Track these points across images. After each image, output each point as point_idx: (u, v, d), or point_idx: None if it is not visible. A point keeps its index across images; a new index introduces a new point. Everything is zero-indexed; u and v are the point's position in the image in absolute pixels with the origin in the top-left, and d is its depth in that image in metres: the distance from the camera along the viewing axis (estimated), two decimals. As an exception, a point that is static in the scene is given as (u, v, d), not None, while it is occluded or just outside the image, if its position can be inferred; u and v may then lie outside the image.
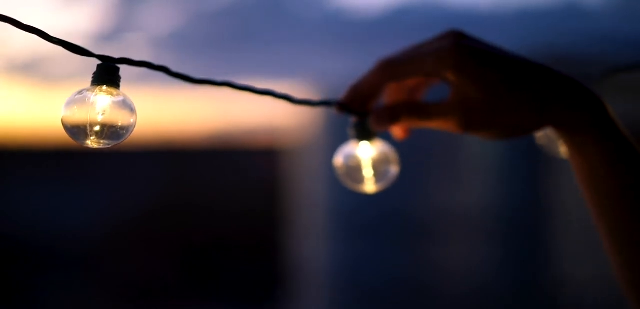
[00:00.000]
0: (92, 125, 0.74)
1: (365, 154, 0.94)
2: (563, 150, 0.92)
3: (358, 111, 0.93)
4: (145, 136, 7.43)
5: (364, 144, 0.94)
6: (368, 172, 0.95)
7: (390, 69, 0.90)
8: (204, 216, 7.39)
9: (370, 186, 0.95)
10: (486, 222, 4.97)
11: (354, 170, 0.95)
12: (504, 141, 0.88)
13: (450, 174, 5.03)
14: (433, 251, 4.91)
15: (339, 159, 0.95)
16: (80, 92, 0.75)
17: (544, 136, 1.03)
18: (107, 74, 0.76)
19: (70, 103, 0.75)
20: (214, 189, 7.53)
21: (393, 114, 0.91)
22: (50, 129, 7.50)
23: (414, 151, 4.91)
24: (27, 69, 7.02)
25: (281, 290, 5.92)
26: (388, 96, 0.95)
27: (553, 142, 1.06)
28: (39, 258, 6.96)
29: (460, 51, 0.85)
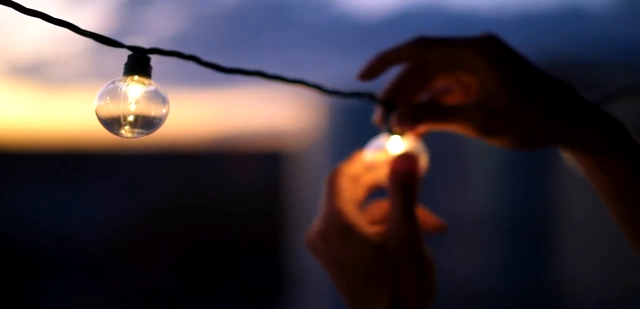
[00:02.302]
0: (125, 115, 0.75)
1: (395, 148, 0.95)
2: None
3: (390, 105, 0.93)
4: (150, 139, 7.43)
5: (395, 138, 0.95)
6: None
7: (427, 44, 0.90)
8: (208, 218, 7.39)
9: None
10: (491, 225, 4.97)
11: (380, 161, 0.96)
12: (519, 151, 0.89)
13: (455, 179, 5.02)
14: (438, 253, 4.90)
15: (368, 152, 0.96)
16: (112, 83, 0.76)
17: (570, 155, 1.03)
18: (139, 64, 0.76)
19: (103, 94, 0.76)
20: (217, 192, 7.54)
21: (416, 115, 0.91)
22: (54, 131, 7.52)
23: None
24: (31, 72, 7.03)
25: (285, 293, 5.92)
26: (409, 97, 0.95)
27: None
28: (44, 260, 6.96)
29: (498, 46, 0.87)
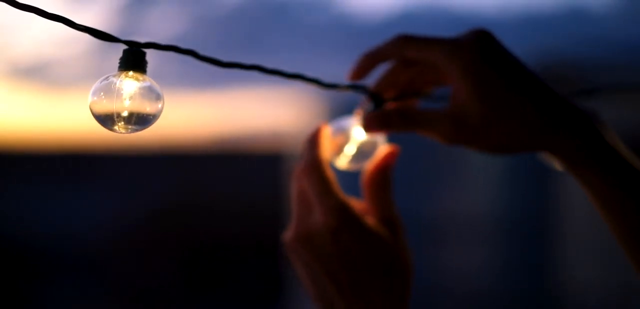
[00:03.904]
0: (119, 112, 0.74)
1: (359, 135, 0.95)
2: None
3: (379, 98, 0.93)
4: (151, 141, 7.44)
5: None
6: (350, 149, 0.95)
7: (405, 44, 0.89)
8: (208, 219, 7.39)
9: (343, 162, 0.95)
10: (492, 225, 4.97)
11: (339, 143, 0.95)
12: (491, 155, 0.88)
13: (456, 178, 5.02)
14: (439, 253, 4.91)
15: (330, 127, 0.95)
16: (106, 79, 0.75)
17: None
18: (134, 59, 0.75)
19: (97, 90, 0.75)
20: (218, 193, 7.54)
21: (384, 120, 0.91)
22: (55, 133, 7.52)
23: (421, 155, 4.91)
24: (32, 74, 7.03)
25: (285, 294, 5.92)
26: (398, 92, 0.94)
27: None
28: (45, 261, 6.97)
29: (475, 50, 0.84)
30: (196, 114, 7.29)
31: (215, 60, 0.83)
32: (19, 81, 7.04)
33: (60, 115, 7.46)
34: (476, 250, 4.96)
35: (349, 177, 0.98)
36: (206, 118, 7.47)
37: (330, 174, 0.91)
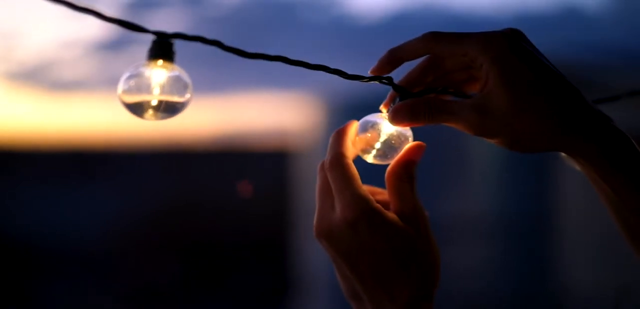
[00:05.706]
0: (149, 100, 0.76)
1: (387, 129, 0.95)
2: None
3: (406, 92, 0.93)
4: (154, 139, 7.44)
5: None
6: (379, 145, 0.95)
7: (435, 39, 0.89)
8: (211, 219, 7.40)
9: (371, 157, 0.96)
10: (493, 226, 4.97)
11: (368, 138, 0.95)
12: (517, 152, 0.88)
13: (458, 180, 5.03)
14: (442, 255, 4.91)
15: (360, 123, 0.96)
16: (136, 68, 0.76)
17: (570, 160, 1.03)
18: (162, 49, 0.77)
19: (127, 79, 0.76)
20: (222, 192, 7.54)
21: (411, 110, 0.91)
22: (58, 133, 7.53)
23: (424, 158, 4.90)
24: (34, 76, 7.05)
25: (290, 294, 5.93)
26: (426, 88, 0.94)
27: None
28: (46, 260, 6.97)
29: (505, 44, 0.85)
30: (199, 115, 7.30)
31: (240, 51, 0.84)
32: (21, 82, 7.05)
33: (62, 116, 7.47)
34: (478, 251, 4.97)
35: (381, 172, 0.99)
36: (209, 119, 7.48)
37: (353, 170, 0.91)
